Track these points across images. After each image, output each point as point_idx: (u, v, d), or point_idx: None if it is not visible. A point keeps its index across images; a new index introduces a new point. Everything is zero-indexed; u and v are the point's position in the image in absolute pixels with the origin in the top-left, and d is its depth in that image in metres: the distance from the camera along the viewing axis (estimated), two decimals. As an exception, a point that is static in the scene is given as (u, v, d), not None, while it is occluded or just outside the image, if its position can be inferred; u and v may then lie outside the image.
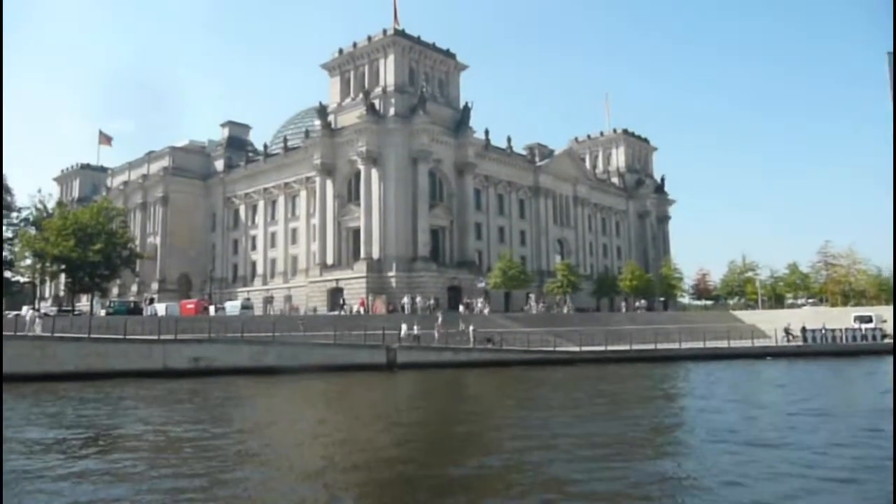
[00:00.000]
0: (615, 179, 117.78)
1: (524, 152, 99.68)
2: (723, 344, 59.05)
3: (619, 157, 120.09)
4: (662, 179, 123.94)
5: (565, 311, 77.37)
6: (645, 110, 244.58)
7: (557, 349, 53.40)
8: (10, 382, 34.24)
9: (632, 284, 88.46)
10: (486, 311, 66.94)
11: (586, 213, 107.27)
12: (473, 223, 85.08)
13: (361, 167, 77.86)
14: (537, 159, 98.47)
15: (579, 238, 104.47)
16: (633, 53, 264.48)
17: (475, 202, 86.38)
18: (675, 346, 56.95)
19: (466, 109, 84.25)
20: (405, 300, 63.21)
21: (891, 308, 73.33)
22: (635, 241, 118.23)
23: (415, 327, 51.26)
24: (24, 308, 48.83)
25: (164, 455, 17.90)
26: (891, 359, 46.54)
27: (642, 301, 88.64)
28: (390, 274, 73.62)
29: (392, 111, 77.88)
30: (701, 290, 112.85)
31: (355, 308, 67.36)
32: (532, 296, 79.34)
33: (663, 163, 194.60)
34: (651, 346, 55.59)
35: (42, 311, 67.19)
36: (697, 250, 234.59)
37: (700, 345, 58.33)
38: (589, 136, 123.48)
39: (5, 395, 30.74)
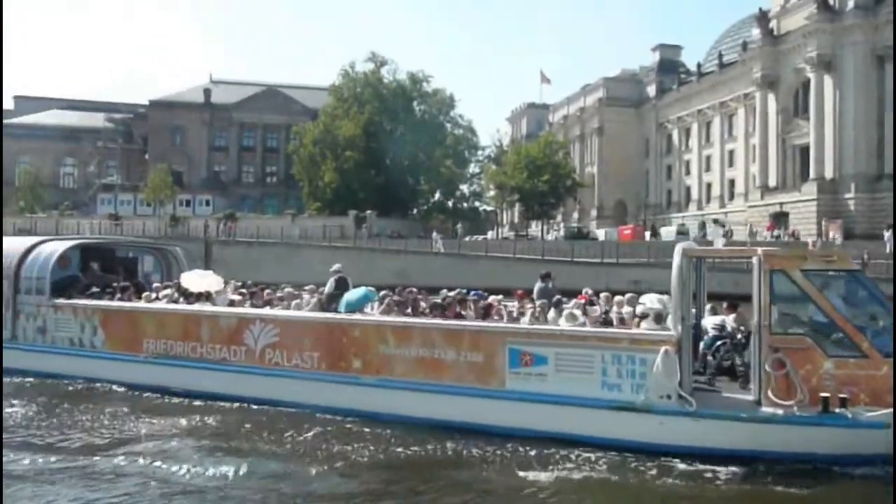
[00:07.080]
0: None
1: None
2: None
3: None
4: None
5: None
6: None
7: None
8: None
9: None
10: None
11: None
12: (968, 131, 68.60)
13: (811, 75, 69.13)
14: None
15: None
16: None
17: (971, 103, 69.27)
18: None
19: (959, -16, 67.15)
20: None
21: None
22: None
23: None
24: (435, 233, 58.30)
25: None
26: None
27: None
28: (848, 196, 64.82)
29: (850, 4, 66.70)
30: None
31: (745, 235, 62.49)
32: None
33: None
34: None
35: (502, 235, 78.55)
36: None
37: None
38: None
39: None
